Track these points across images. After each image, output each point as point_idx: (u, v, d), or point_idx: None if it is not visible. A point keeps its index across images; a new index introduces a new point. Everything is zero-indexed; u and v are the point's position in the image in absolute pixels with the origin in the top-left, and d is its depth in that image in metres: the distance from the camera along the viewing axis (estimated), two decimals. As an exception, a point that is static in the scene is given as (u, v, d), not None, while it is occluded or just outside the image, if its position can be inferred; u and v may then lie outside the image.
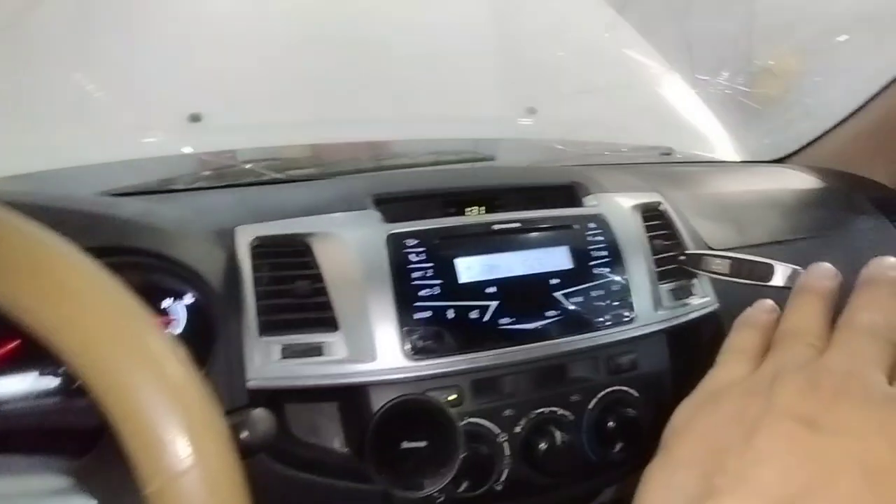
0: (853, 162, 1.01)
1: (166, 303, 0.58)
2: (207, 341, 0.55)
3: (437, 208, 0.63)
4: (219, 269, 0.54)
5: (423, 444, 0.44)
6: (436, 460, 0.44)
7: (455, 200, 0.64)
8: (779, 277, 0.59)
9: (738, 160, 1.14)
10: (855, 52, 1.06)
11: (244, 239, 0.55)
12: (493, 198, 0.66)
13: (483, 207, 0.65)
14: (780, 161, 1.09)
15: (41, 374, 0.48)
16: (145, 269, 0.52)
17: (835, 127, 1.05)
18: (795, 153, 1.08)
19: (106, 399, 0.25)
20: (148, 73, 0.98)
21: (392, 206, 0.59)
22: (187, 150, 0.83)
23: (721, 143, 1.23)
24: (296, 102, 1.02)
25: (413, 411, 0.45)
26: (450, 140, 1.02)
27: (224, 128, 0.97)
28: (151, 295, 0.56)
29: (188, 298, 0.59)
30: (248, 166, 0.86)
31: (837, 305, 0.32)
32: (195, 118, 0.98)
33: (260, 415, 0.37)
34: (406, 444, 0.44)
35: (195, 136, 0.96)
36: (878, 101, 0.97)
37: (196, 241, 0.55)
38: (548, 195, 0.67)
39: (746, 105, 1.20)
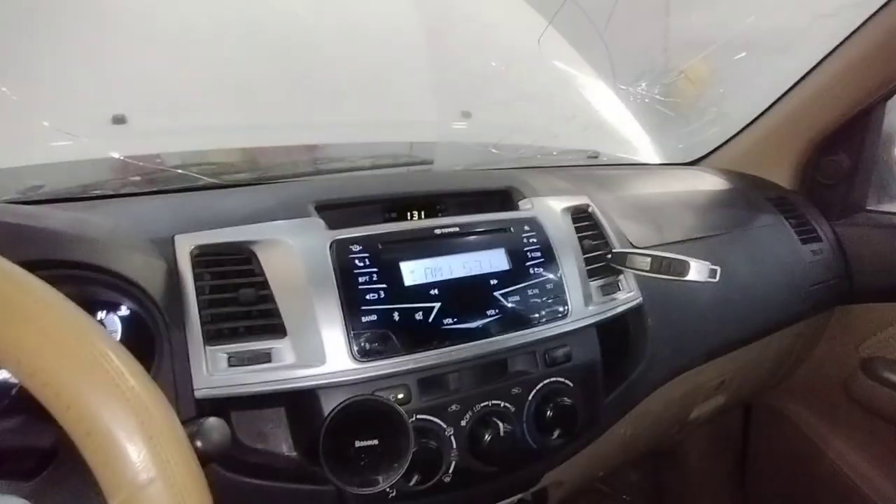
0: (755, 164, 1.12)
1: (100, 315, 0.57)
2: (148, 353, 0.54)
3: (378, 214, 0.65)
4: (158, 279, 0.53)
5: (375, 442, 0.46)
6: (388, 457, 0.46)
7: (396, 206, 0.66)
8: (693, 273, 0.65)
9: (658, 163, 1.23)
10: (753, 67, 1.18)
11: (184, 248, 0.54)
12: (433, 203, 0.68)
13: (423, 212, 0.67)
14: (693, 163, 1.19)
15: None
16: (79, 281, 0.50)
17: (738, 133, 1.15)
18: (706, 156, 1.18)
19: (65, 416, 0.25)
20: (67, 72, 0.93)
21: (334, 212, 0.60)
22: (114, 153, 0.79)
23: (642, 147, 1.32)
24: (226, 106, 1.00)
25: (364, 412, 0.47)
26: (387, 144, 1.03)
27: (150, 131, 0.94)
28: (86, 308, 0.54)
29: (124, 310, 0.57)
30: (179, 171, 0.84)
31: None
32: (119, 120, 0.94)
33: (214, 424, 0.37)
34: (359, 444, 0.46)
35: (119, 138, 0.92)
36: (773, 110, 1.08)
37: (132, 251, 0.54)
38: (485, 199, 0.70)
39: (663, 112, 1.29)
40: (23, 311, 0.26)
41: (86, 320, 0.28)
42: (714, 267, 0.65)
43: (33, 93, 0.89)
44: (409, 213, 0.67)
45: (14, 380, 0.53)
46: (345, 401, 0.47)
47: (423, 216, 0.67)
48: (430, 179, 0.79)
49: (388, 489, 0.52)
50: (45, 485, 0.28)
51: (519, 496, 0.70)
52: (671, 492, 1.41)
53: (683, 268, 0.66)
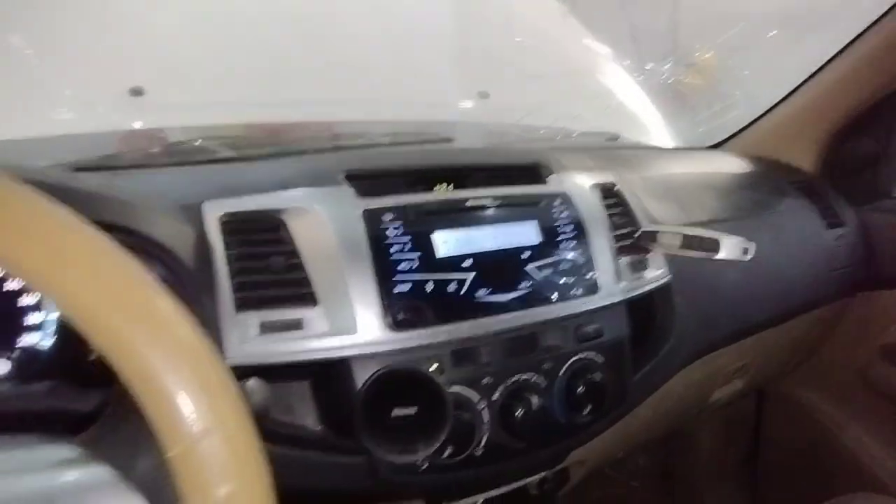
0: (777, 149, 1.10)
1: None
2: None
3: (405, 185, 0.63)
4: (188, 244, 0.52)
5: (413, 410, 0.45)
6: (425, 427, 0.45)
7: (424, 178, 0.65)
8: (725, 250, 0.64)
9: (677, 147, 1.21)
10: (779, 48, 1.16)
11: (213, 214, 0.53)
12: (461, 175, 0.67)
13: (451, 185, 0.66)
14: (713, 147, 1.18)
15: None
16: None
17: (760, 117, 1.14)
18: (726, 140, 1.17)
19: (125, 369, 0.24)
20: (85, 42, 0.92)
21: (364, 182, 0.59)
22: (137, 124, 0.78)
23: (660, 131, 1.30)
24: (245, 81, 0.99)
25: (401, 381, 0.46)
26: (407, 122, 1.02)
27: (168, 104, 0.92)
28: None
29: (154, 275, 0.56)
30: (198, 142, 0.82)
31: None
32: (137, 92, 0.93)
33: (256, 385, 0.37)
34: (397, 412, 0.45)
35: (137, 111, 0.91)
36: (798, 92, 1.06)
37: (162, 216, 0.53)
38: (513, 174, 0.69)
39: (682, 95, 1.28)
40: (82, 261, 0.25)
41: (143, 274, 0.27)
42: (747, 244, 0.64)
43: (52, 63, 0.88)
44: (436, 186, 0.66)
45: (44, 345, 0.52)
46: (382, 369, 0.46)
47: (450, 189, 0.66)
48: (454, 154, 0.78)
49: (419, 461, 0.51)
50: (101, 431, 0.27)
51: (543, 474, 0.70)
52: (681, 477, 1.40)
53: (715, 245, 0.65)
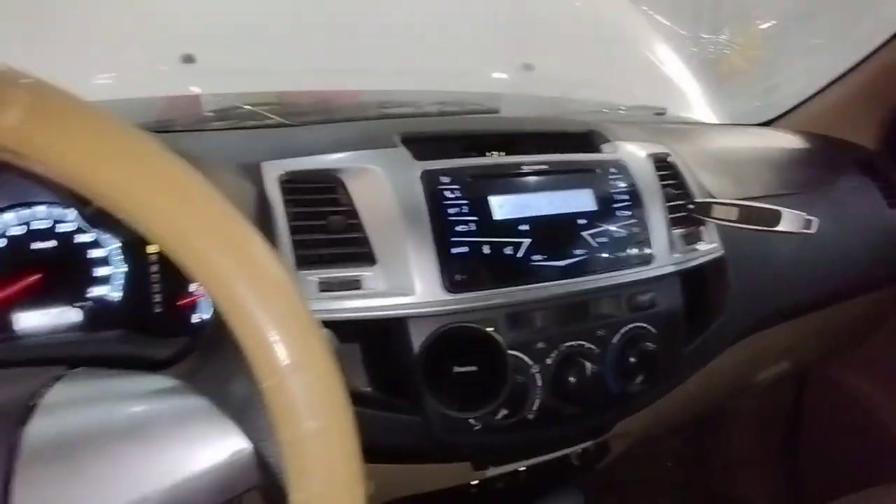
0: (835, 126, 1.06)
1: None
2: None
3: (459, 150, 0.63)
4: (248, 201, 0.53)
5: (474, 368, 0.45)
6: (486, 384, 0.46)
7: (477, 143, 0.64)
8: (786, 223, 0.62)
9: (728, 122, 1.18)
10: (838, 23, 1.11)
11: (272, 174, 0.54)
12: (514, 142, 0.66)
13: (503, 152, 0.65)
14: (766, 124, 1.14)
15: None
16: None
17: (816, 94, 1.09)
18: (780, 117, 1.12)
19: (224, 305, 0.25)
20: (138, 7, 0.93)
21: (419, 145, 0.59)
22: (195, 89, 0.79)
23: (708, 106, 1.27)
24: (293, 49, 0.99)
25: (462, 340, 0.46)
26: (451, 92, 1.01)
27: (219, 70, 0.93)
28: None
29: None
30: (246, 107, 0.83)
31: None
32: (188, 59, 0.94)
33: (329, 334, 0.37)
34: (458, 369, 0.45)
35: (188, 77, 0.92)
36: (861, 67, 1.01)
37: (222, 173, 0.54)
38: (566, 142, 0.68)
39: (732, 71, 1.24)
40: (193, 204, 0.26)
41: (239, 216, 0.27)
42: (810, 217, 0.62)
43: (105, 31, 0.90)
44: (488, 152, 0.65)
45: (113, 297, 0.54)
46: (445, 326, 0.46)
47: (502, 155, 0.65)
48: (505, 122, 0.77)
49: (473, 421, 0.52)
50: (190, 368, 0.28)
51: (588, 443, 0.70)
52: (715, 460, 1.39)
53: (776, 217, 0.63)
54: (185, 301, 0.56)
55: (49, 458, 0.23)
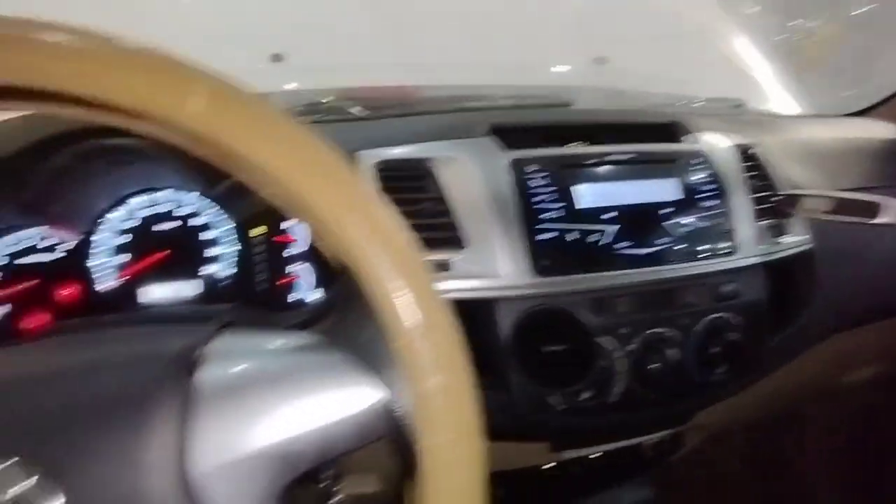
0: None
1: (287, 223, 0.62)
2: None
3: (544, 140, 0.65)
4: None
5: (563, 347, 0.47)
6: (573, 365, 0.47)
7: (561, 134, 0.65)
8: (886, 214, 0.60)
9: (813, 114, 1.13)
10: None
11: (368, 162, 0.58)
12: (596, 133, 0.67)
13: (586, 142, 0.67)
14: (856, 115, 1.08)
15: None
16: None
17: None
18: (872, 108, 1.07)
19: (361, 271, 0.28)
20: (230, 11, 0.99)
21: (507, 135, 0.61)
22: (290, 86, 0.84)
23: (786, 100, 1.22)
24: (371, 46, 1.03)
25: (550, 321, 0.48)
26: (524, 86, 1.02)
27: (304, 68, 0.99)
28: (275, 214, 0.60)
29: (310, 220, 0.62)
30: (326, 101, 0.87)
31: None
32: (277, 58, 1.00)
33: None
34: (546, 349, 0.47)
35: (277, 76, 0.98)
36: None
37: None
38: (649, 132, 0.68)
39: (818, 59, 1.18)
40: (336, 179, 0.29)
41: (373, 189, 0.30)
42: (914, 208, 0.60)
43: (198, 30, 0.97)
44: (570, 143, 0.66)
45: (225, 274, 0.59)
46: (535, 306, 0.48)
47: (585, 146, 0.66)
48: (586, 114, 0.78)
49: (556, 401, 0.53)
50: (329, 326, 0.31)
51: (664, 433, 0.70)
52: (791, 465, 1.34)
53: (872, 209, 0.61)
54: (284, 280, 0.61)
55: (217, 402, 0.27)
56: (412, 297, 0.29)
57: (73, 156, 0.49)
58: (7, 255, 0.55)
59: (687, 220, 0.60)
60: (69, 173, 0.50)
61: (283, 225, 0.61)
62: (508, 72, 1.03)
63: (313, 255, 0.61)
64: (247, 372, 0.28)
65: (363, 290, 0.29)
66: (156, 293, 0.58)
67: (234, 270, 0.59)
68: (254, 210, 0.60)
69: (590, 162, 0.60)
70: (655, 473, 0.90)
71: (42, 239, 0.56)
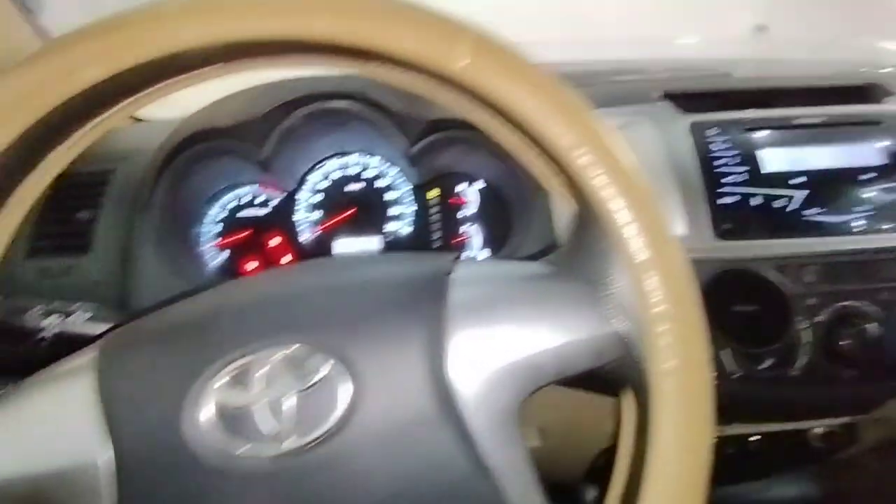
0: None
1: (461, 186, 0.66)
2: (504, 223, 0.62)
3: (720, 105, 0.63)
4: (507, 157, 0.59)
5: (755, 307, 0.46)
6: (766, 326, 0.46)
7: (738, 98, 0.63)
8: None
9: None
10: None
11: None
12: (778, 97, 0.63)
13: (767, 107, 0.63)
14: None
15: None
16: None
17: None
18: None
19: (601, 209, 0.30)
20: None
21: (682, 100, 0.60)
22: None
23: None
24: (514, 22, 1.05)
25: (740, 282, 0.47)
26: (678, 59, 0.98)
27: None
28: (449, 178, 0.64)
29: (480, 183, 0.66)
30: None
31: None
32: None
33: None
34: (737, 308, 0.46)
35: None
36: None
37: None
38: (841, 95, 0.63)
39: None
40: (590, 129, 0.31)
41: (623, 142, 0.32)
42: None
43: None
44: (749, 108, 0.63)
45: (404, 231, 0.64)
46: (721, 269, 0.48)
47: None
48: (759, 80, 0.74)
49: (732, 367, 0.52)
50: (564, 258, 0.34)
51: (843, 420, 0.65)
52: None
53: None
54: (457, 240, 0.65)
55: (469, 317, 0.30)
56: (645, 232, 0.30)
57: (302, 118, 0.56)
58: (230, 209, 0.64)
59: (889, 187, 0.55)
60: (295, 134, 0.57)
61: (457, 188, 0.65)
62: (661, 44, 1.00)
63: (483, 217, 0.65)
64: (494, 293, 0.31)
65: (599, 226, 0.32)
66: (345, 247, 0.64)
67: (412, 229, 0.64)
68: (430, 174, 0.65)
69: (776, 125, 0.57)
70: (816, 470, 0.84)
71: (255, 196, 0.65)
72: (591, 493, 0.88)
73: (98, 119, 0.33)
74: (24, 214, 0.35)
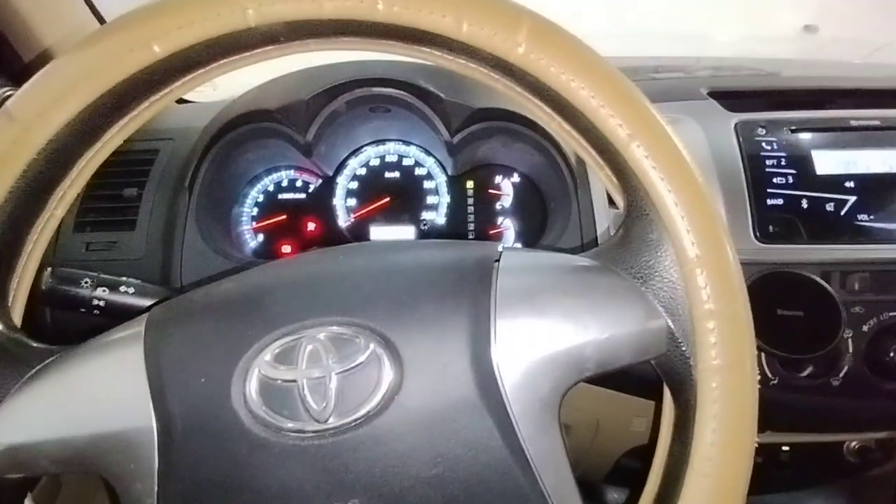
0: None
1: (497, 178, 0.66)
2: (539, 217, 0.61)
3: (767, 105, 0.61)
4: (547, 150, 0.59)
5: (800, 313, 0.45)
6: (812, 332, 0.45)
7: (787, 99, 0.61)
8: None
9: None
10: None
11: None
12: (828, 98, 0.62)
13: (816, 108, 0.62)
14: None
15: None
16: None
17: None
18: None
19: (658, 203, 0.30)
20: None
21: (727, 99, 0.59)
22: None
23: None
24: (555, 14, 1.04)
25: (787, 285, 0.46)
26: (724, 58, 0.97)
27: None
28: (485, 169, 0.64)
29: (516, 177, 0.65)
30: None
31: None
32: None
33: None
34: (782, 312, 0.45)
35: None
36: None
37: None
38: (895, 98, 0.61)
39: None
40: (647, 119, 0.31)
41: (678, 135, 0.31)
42: None
43: None
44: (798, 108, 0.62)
45: (439, 221, 0.64)
46: (768, 270, 0.47)
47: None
48: (809, 80, 0.72)
49: (772, 371, 0.51)
50: (608, 252, 0.33)
51: (882, 435, 0.64)
52: None
53: None
54: (494, 231, 0.65)
55: (515, 304, 0.30)
56: (698, 228, 0.30)
57: (346, 103, 0.56)
58: (269, 191, 0.65)
59: (946, 195, 0.53)
60: (339, 119, 0.58)
61: (494, 180, 0.65)
62: (706, 42, 0.98)
63: (519, 210, 0.65)
64: (541, 283, 0.31)
65: (649, 219, 0.31)
66: (380, 234, 0.65)
67: (447, 219, 0.64)
68: (468, 165, 0.65)
69: (828, 127, 0.55)
70: (849, 485, 0.82)
71: (294, 180, 0.65)
72: (611, 494, 0.87)
73: (158, 95, 0.34)
74: (82, 186, 0.36)
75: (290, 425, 0.29)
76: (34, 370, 0.32)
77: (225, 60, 0.34)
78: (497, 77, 0.33)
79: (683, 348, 0.30)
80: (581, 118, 0.31)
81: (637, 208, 0.32)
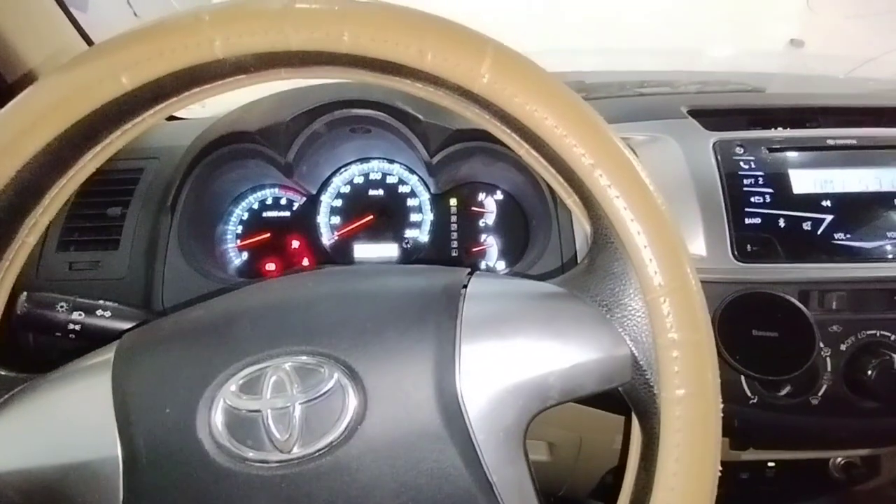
0: None
1: (480, 196, 0.66)
2: (522, 234, 0.62)
3: (746, 124, 0.62)
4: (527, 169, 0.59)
5: (775, 334, 0.45)
6: (787, 352, 0.45)
7: (767, 118, 0.62)
8: None
9: None
10: None
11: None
12: (808, 117, 0.62)
13: (795, 127, 0.62)
14: None
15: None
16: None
17: None
18: None
19: (621, 233, 0.30)
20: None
21: (707, 117, 0.59)
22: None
23: None
24: (554, 30, 1.05)
25: (761, 306, 0.46)
26: (710, 73, 0.97)
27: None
28: (468, 188, 0.64)
29: (499, 194, 0.66)
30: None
31: None
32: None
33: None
34: (757, 333, 0.46)
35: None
36: None
37: None
38: (876, 116, 0.61)
39: None
40: (607, 144, 0.31)
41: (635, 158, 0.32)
42: None
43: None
44: (777, 127, 0.62)
45: (422, 240, 0.65)
46: (743, 290, 0.47)
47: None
48: (789, 98, 0.72)
49: (752, 390, 0.51)
50: (576, 279, 0.34)
51: (862, 452, 0.64)
52: None
53: None
54: (477, 248, 0.65)
55: (481, 332, 0.30)
56: (662, 258, 0.30)
57: (326, 124, 0.56)
58: (253, 210, 0.65)
59: (922, 214, 0.53)
60: (319, 139, 0.58)
61: (476, 198, 0.65)
62: (691, 57, 0.99)
63: (501, 227, 0.65)
64: (506, 310, 0.31)
65: (614, 248, 0.31)
66: (364, 252, 0.65)
67: (430, 237, 0.65)
68: (450, 183, 0.65)
69: (806, 146, 0.56)
70: (835, 501, 0.82)
71: (278, 198, 0.66)
72: (597, 511, 0.87)
73: (129, 123, 0.34)
74: (56, 212, 0.36)
75: (253, 455, 0.29)
76: (2, 399, 0.32)
77: (197, 90, 0.34)
78: (465, 105, 0.33)
79: (648, 376, 0.30)
80: (546, 147, 0.31)
81: (602, 236, 0.32)
